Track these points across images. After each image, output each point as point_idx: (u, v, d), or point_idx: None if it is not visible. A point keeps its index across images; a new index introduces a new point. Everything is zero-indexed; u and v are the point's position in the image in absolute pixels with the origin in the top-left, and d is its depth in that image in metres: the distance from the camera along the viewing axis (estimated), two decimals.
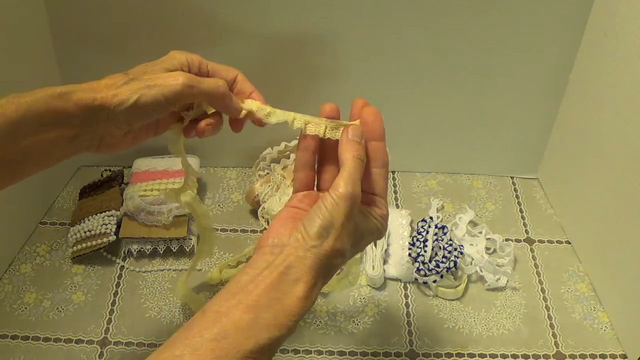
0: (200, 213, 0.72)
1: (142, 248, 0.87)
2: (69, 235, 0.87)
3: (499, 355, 0.79)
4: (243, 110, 0.58)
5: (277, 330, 0.44)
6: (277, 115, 0.57)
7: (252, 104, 0.58)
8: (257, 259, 0.48)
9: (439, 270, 0.83)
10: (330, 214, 0.48)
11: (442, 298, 0.85)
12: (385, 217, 0.54)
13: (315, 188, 0.57)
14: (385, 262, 0.87)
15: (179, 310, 0.82)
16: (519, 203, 0.98)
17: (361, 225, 0.52)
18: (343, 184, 0.49)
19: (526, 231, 0.94)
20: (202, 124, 0.58)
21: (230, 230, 0.92)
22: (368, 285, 0.86)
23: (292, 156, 0.94)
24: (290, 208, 0.54)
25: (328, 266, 0.49)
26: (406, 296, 0.85)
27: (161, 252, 0.87)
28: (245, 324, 0.44)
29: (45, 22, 0.85)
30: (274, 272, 0.46)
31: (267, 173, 0.94)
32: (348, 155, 0.50)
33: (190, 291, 0.80)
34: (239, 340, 0.43)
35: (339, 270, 0.80)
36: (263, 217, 0.91)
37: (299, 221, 0.49)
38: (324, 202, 0.49)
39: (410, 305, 0.84)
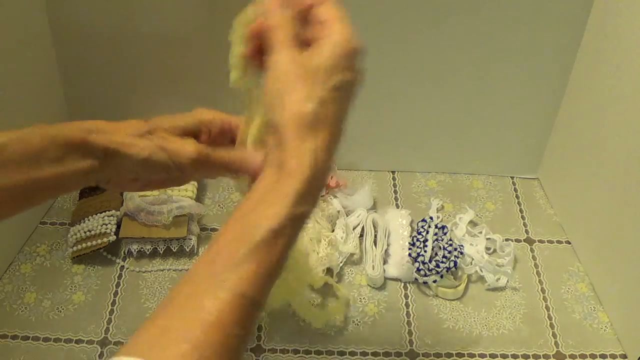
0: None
1: (142, 248, 0.87)
2: (69, 235, 0.87)
3: (499, 355, 0.79)
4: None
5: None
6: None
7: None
8: None
9: (439, 270, 0.83)
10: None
11: (442, 298, 0.85)
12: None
13: None
14: (385, 262, 0.87)
15: None
16: (519, 203, 0.98)
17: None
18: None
19: (526, 231, 0.94)
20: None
21: None
22: (368, 285, 0.86)
23: None
24: None
25: (313, 126, 0.43)
26: (406, 296, 0.85)
27: (161, 252, 0.87)
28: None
29: (44, 19, 0.85)
30: None
31: None
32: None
33: None
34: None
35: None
36: None
37: None
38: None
39: (410, 305, 0.84)
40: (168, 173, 0.53)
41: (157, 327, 0.38)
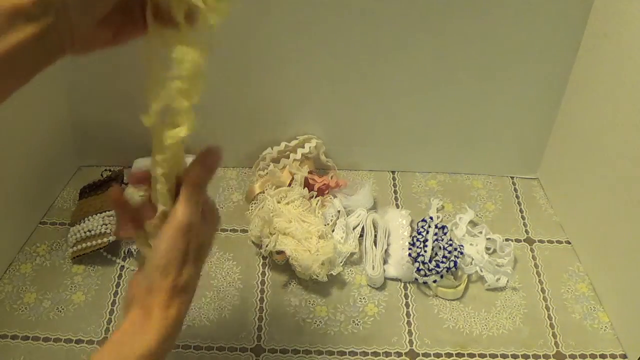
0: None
1: None
2: (69, 235, 0.87)
3: (499, 355, 0.79)
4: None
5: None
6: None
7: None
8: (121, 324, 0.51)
9: (439, 270, 0.83)
10: (166, 253, 0.50)
11: (442, 298, 0.85)
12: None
13: None
14: (385, 262, 0.87)
15: None
16: (519, 203, 0.98)
17: (204, 239, 0.54)
18: (178, 212, 0.51)
19: (526, 231, 0.94)
20: None
21: (230, 230, 0.92)
22: (368, 285, 0.86)
23: (292, 156, 0.94)
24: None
25: (180, 291, 0.51)
26: (406, 296, 0.85)
27: None
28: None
29: None
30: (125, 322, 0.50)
31: (267, 173, 0.94)
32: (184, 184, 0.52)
33: None
34: None
35: None
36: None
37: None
38: (160, 241, 0.51)
39: (410, 305, 0.84)
40: None
41: None
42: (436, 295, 0.85)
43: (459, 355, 0.79)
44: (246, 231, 0.91)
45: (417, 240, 0.87)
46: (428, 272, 0.84)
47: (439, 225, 0.89)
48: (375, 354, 0.79)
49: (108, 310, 0.81)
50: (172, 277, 0.51)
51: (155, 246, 0.51)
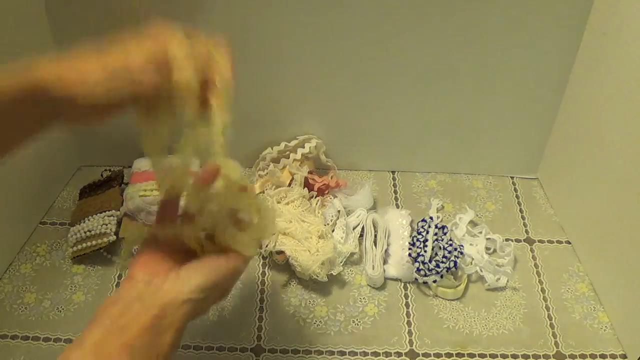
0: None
1: None
2: (69, 235, 0.87)
3: (499, 355, 0.79)
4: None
5: None
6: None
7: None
8: (128, 289, 0.50)
9: (439, 270, 0.83)
10: (217, 278, 0.51)
11: (442, 298, 0.85)
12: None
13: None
14: (385, 262, 0.87)
15: None
16: (519, 203, 0.98)
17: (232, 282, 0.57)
18: (239, 259, 0.54)
19: (526, 231, 0.94)
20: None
21: None
22: (368, 285, 0.86)
23: (292, 156, 0.94)
24: (155, 247, 0.54)
25: (194, 316, 0.51)
26: (406, 296, 0.85)
27: None
28: None
29: (43, 15, 0.85)
30: (147, 312, 0.47)
31: (267, 173, 0.94)
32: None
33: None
34: None
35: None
36: None
37: (174, 261, 0.52)
38: (218, 264, 0.52)
39: (410, 305, 0.84)
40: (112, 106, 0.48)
41: None
42: (436, 295, 0.85)
43: (459, 355, 0.79)
44: None
45: (417, 240, 0.87)
46: (428, 272, 0.84)
47: (439, 225, 0.89)
48: (375, 354, 0.79)
49: None
50: (195, 310, 0.50)
51: (205, 270, 0.52)
